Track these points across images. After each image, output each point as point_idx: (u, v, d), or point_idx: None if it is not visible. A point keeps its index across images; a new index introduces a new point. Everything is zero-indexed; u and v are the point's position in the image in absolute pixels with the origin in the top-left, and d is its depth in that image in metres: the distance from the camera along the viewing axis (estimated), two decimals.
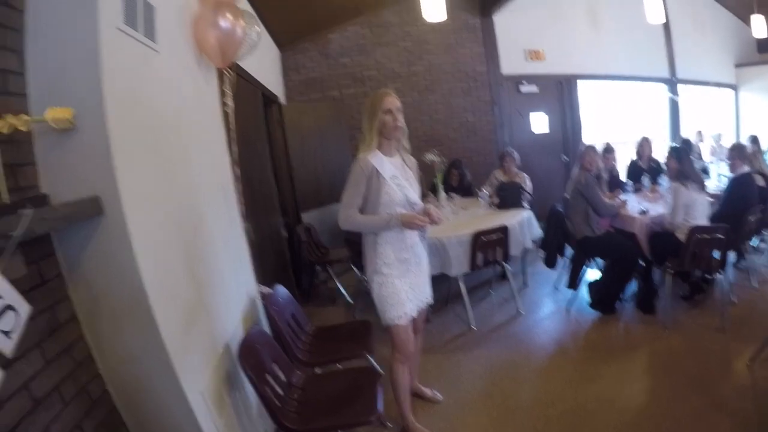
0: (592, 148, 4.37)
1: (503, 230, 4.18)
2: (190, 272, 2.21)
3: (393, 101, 2.67)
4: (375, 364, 3.18)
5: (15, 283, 1.21)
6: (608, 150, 5.74)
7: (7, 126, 1.36)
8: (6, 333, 1.15)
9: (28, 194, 1.53)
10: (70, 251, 1.69)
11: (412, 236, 2.73)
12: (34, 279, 1.49)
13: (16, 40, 1.55)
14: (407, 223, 2.56)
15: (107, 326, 1.75)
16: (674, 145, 5.35)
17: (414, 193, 2.73)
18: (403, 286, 2.69)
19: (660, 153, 6.19)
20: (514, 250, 4.45)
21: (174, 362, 1.80)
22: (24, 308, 1.22)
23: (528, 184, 5.43)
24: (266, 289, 3.17)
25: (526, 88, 7.43)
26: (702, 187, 4.06)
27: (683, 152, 4.15)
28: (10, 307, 1.18)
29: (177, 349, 1.85)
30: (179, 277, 2.08)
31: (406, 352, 2.78)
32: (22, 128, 1.40)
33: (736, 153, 4.47)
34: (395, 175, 2.66)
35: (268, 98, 5.35)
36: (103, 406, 1.75)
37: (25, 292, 1.25)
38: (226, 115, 3.16)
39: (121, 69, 1.77)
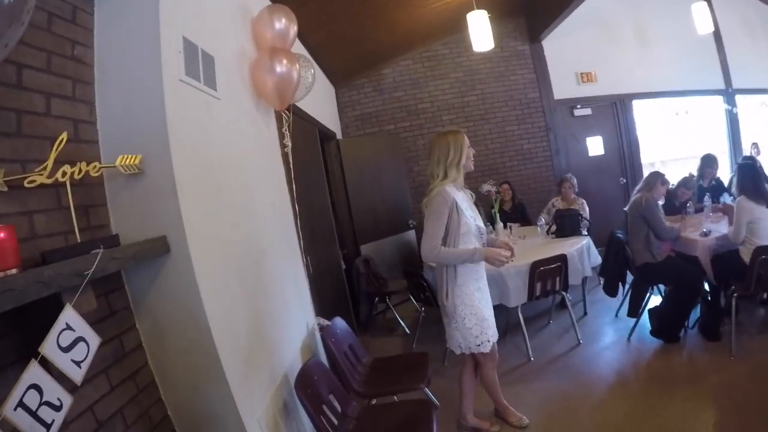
0: (660, 176, 4.17)
1: (562, 259, 4.08)
2: (251, 305, 2.32)
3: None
4: (431, 396, 3.16)
5: (86, 316, 1.32)
6: (686, 185, 5.25)
7: (80, 171, 1.50)
8: (77, 362, 1.26)
9: (100, 233, 1.68)
10: (138, 285, 1.83)
11: (483, 268, 2.85)
12: (103, 310, 1.63)
13: (87, 92, 1.74)
14: (490, 259, 2.66)
15: (171, 355, 1.86)
16: (744, 159, 4.85)
17: (481, 222, 2.85)
18: (484, 315, 2.79)
19: (721, 169, 5.82)
20: (574, 279, 4.31)
21: (233, 390, 1.88)
22: (94, 340, 1.34)
23: (586, 210, 5.29)
24: (324, 321, 3.23)
25: (580, 111, 7.26)
26: None
27: (753, 167, 3.88)
28: (81, 339, 1.29)
29: (236, 377, 1.94)
30: (241, 309, 2.19)
31: (495, 361, 2.99)
32: (94, 174, 1.55)
33: None
34: (467, 206, 2.78)
35: (325, 134, 5.54)
36: (164, 429, 1.85)
37: (95, 323, 1.36)
38: (285, 154, 3.31)
39: (185, 117, 1.93)
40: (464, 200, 2.79)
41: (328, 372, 2.74)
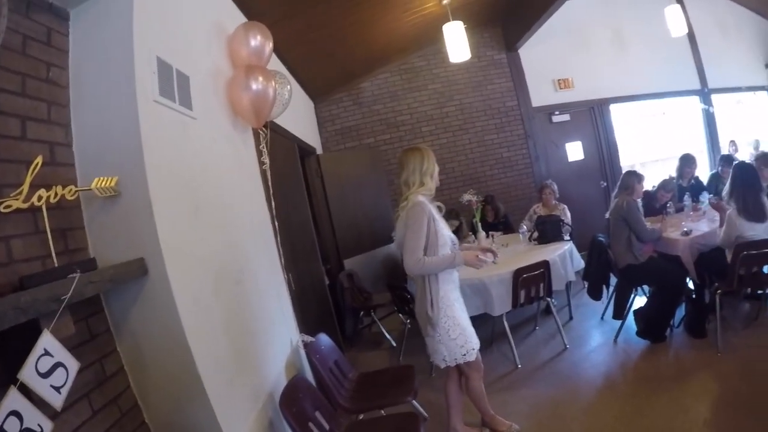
0: (635, 176, 4.22)
1: (545, 265, 4.11)
2: (233, 325, 2.30)
3: None
4: (420, 408, 3.16)
5: (65, 340, 1.31)
6: (665, 188, 5.25)
7: (56, 195, 1.49)
8: (56, 388, 1.25)
9: (78, 257, 1.67)
10: (118, 308, 1.81)
11: (457, 278, 2.88)
12: (83, 334, 1.61)
13: (62, 114, 1.73)
14: (469, 261, 2.73)
15: (153, 378, 1.84)
16: (739, 161, 4.65)
17: (452, 233, 2.87)
18: (464, 324, 2.80)
19: (700, 168, 5.93)
20: (557, 285, 4.34)
21: (217, 410, 1.87)
22: (73, 365, 1.32)
23: (567, 215, 5.35)
24: (308, 338, 3.21)
25: (558, 117, 7.39)
26: (762, 216, 3.55)
27: (749, 174, 3.69)
28: (60, 364, 1.27)
29: (220, 397, 1.92)
30: (222, 329, 2.17)
31: (481, 371, 2.97)
32: (69, 197, 1.54)
33: (762, 162, 4.26)
34: (439, 218, 2.81)
35: (305, 150, 5.54)
36: None
37: (76, 347, 1.35)
38: (263, 172, 3.31)
39: (160, 137, 1.92)
40: (436, 213, 2.82)
41: (313, 389, 2.72)
